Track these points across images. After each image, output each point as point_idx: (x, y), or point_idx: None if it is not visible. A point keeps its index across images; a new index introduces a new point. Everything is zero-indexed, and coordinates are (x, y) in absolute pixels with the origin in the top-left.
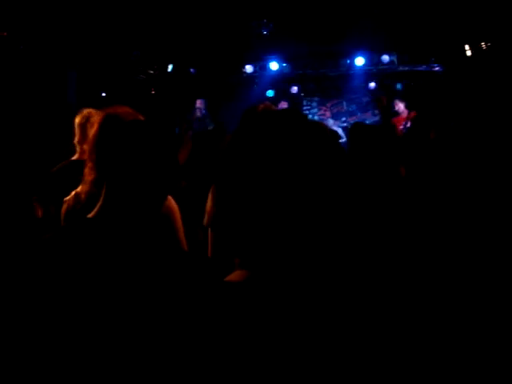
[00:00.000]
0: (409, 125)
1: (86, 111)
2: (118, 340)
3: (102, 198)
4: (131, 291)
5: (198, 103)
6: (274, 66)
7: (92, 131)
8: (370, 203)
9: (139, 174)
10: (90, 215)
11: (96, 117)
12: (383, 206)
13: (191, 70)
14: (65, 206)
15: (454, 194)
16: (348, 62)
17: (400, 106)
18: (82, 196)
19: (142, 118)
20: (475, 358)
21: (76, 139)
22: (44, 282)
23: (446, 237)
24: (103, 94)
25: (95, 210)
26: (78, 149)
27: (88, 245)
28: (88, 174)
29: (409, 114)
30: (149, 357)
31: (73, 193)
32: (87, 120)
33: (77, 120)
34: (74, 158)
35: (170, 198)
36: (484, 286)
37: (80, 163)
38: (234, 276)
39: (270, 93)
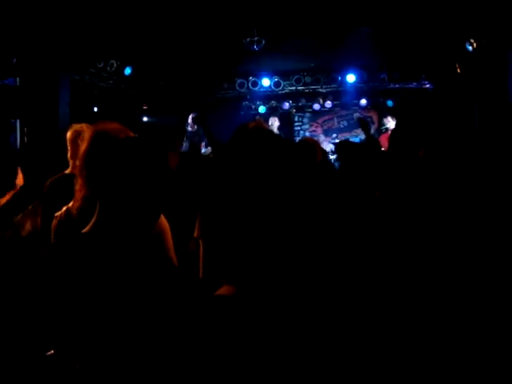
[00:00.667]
0: None
1: (77, 126)
2: (112, 355)
3: (96, 214)
4: (126, 304)
5: (190, 119)
6: (265, 82)
7: (82, 147)
8: (351, 219)
9: (131, 191)
10: (84, 230)
11: (87, 132)
12: (364, 220)
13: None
14: (55, 222)
15: (442, 210)
16: (339, 78)
17: (392, 123)
18: (74, 212)
19: (131, 134)
20: (473, 357)
21: (68, 154)
22: (41, 293)
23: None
24: (95, 109)
25: (90, 225)
26: (70, 163)
27: (83, 259)
28: (79, 190)
29: None
30: (142, 368)
31: (64, 208)
32: (78, 135)
33: (68, 135)
34: (67, 171)
35: (161, 216)
36: (462, 294)
37: (72, 177)
38: (223, 291)
39: (261, 109)
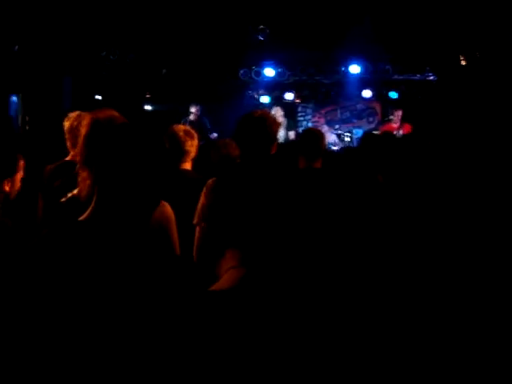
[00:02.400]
0: (401, 133)
1: (74, 114)
2: (110, 346)
3: (93, 201)
4: (123, 294)
5: (193, 108)
6: (269, 72)
7: (82, 134)
8: (358, 207)
9: (130, 178)
10: (81, 218)
11: (85, 119)
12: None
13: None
14: (57, 209)
15: (449, 200)
16: (343, 69)
17: (396, 115)
18: (81, 200)
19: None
20: (470, 357)
21: (68, 143)
22: (35, 283)
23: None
24: (98, 97)
25: (87, 212)
26: (70, 152)
27: (78, 247)
28: (84, 179)
29: (401, 124)
30: (142, 360)
31: (69, 195)
32: (76, 123)
33: (66, 124)
34: (68, 158)
35: (166, 204)
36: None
37: (72, 164)
38: (231, 275)
39: (264, 99)
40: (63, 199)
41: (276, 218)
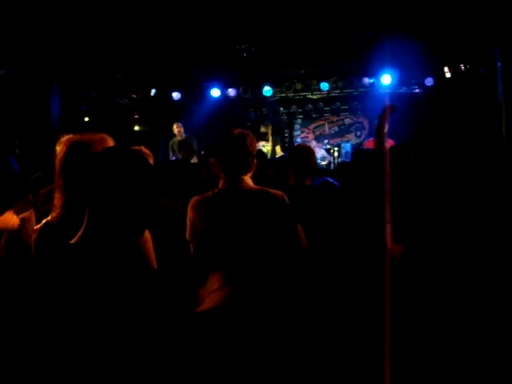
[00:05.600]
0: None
1: (65, 138)
2: (96, 367)
3: (84, 224)
4: (116, 315)
5: (176, 127)
6: (256, 89)
7: (58, 157)
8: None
9: (118, 201)
10: (72, 241)
11: (63, 143)
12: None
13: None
14: (35, 235)
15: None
16: (329, 85)
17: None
18: (53, 222)
19: (111, 143)
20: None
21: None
22: (30, 304)
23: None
24: (86, 119)
25: (78, 235)
26: None
27: (73, 270)
28: (57, 200)
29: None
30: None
31: (43, 221)
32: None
33: (57, 149)
34: None
35: None
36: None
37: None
38: (214, 297)
39: (252, 115)
40: (37, 226)
41: (259, 235)
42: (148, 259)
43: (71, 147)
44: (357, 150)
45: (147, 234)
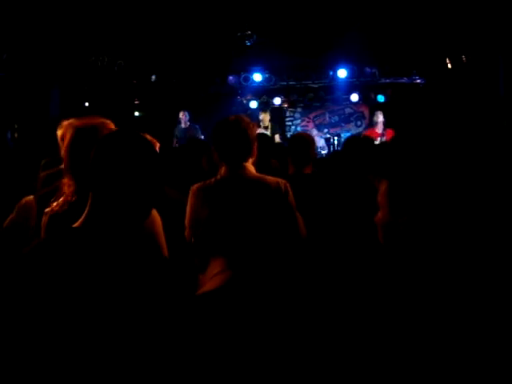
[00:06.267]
0: (384, 139)
1: (66, 123)
2: (109, 347)
3: (87, 208)
4: (120, 299)
5: (181, 115)
6: (257, 77)
7: (65, 143)
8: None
9: (121, 183)
10: (75, 225)
11: (70, 128)
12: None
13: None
14: (45, 218)
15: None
16: (331, 73)
17: (379, 118)
18: (64, 207)
19: (113, 128)
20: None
21: (62, 151)
22: (35, 289)
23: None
24: (86, 104)
25: (81, 219)
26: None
27: (76, 254)
28: (67, 186)
29: (385, 129)
30: (139, 359)
31: (54, 204)
32: (67, 131)
33: (59, 133)
34: (62, 166)
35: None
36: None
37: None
38: (216, 280)
39: (253, 104)
40: (47, 209)
41: (260, 220)
42: (159, 246)
43: (77, 133)
44: (348, 137)
45: (158, 221)
